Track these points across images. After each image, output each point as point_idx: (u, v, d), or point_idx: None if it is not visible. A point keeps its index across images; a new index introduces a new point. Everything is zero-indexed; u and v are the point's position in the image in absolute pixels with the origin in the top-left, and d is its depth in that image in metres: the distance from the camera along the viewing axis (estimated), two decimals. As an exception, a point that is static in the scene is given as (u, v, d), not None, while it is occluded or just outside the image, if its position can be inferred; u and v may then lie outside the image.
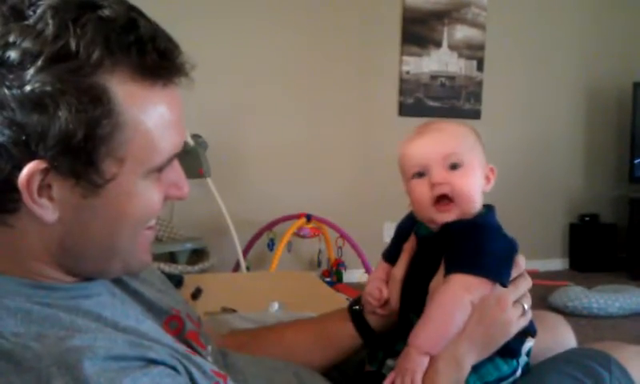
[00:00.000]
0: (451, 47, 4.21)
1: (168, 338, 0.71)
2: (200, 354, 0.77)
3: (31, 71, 0.57)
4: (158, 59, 0.63)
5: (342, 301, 1.77)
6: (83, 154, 0.60)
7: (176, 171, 0.71)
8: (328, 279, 3.65)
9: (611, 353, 1.01)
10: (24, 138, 0.58)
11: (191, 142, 3.21)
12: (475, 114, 4.27)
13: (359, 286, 3.13)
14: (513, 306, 0.87)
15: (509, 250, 0.89)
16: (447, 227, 0.89)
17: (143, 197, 0.66)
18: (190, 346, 0.79)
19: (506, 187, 4.35)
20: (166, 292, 0.87)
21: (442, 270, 0.88)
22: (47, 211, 0.62)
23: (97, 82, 0.60)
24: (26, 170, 0.59)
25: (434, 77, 4.19)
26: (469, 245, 0.87)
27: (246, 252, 3.50)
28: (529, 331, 0.91)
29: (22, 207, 0.62)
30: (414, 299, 0.92)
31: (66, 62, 0.58)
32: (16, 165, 0.59)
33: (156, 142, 0.64)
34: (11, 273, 0.65)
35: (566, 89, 4.56)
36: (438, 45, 4.18)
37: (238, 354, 0.95)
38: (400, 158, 0.94)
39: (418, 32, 4.12)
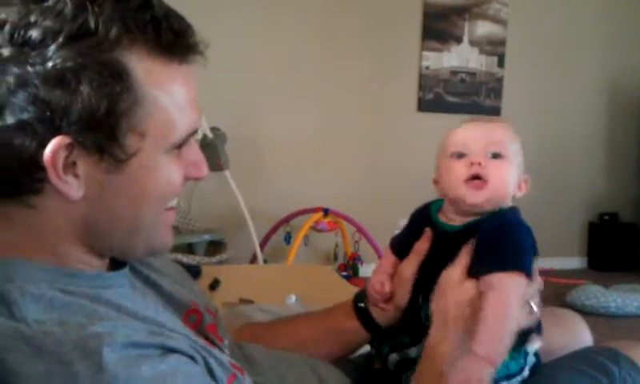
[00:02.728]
0: (472, 43, 4.18)
1: (187, 331, 0.72)
2: (218, 347, 0.79)
3: (52, 48, 0.59)
4: (172, 37, 0.65)
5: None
6: (106, 128, 0.62)
7: (195, 151, 0.72)
8: (344, 273, 3.65)
9: (623, 350, 1.01)
10: (48, 114, 0.59)
11: (210, 135, 3.23)
12: (495, 111, 4.24)
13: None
14: (524, 304, 0.86)
15: (534, 247, 0.89)
16: (477, 225, 0.89)
17: (164, 174, 0.68)
18: (208, 338, 0.80)
19: (524, 184, 4.35)
20: (185, 284, 0.88)
21: (458, 263, 0.88)
22: (72, 188, 0.63)
23: (116, 58, 0.61)
24: (50, 145, 0.60)
25: (454, 72, 4.17)
26: (508, 243, 0.87)
27: (263, 245, 3.51)
28: (533, 331, 0.90)
29: (47, 187, 0.63)
30: (424, 289, 0.92)
31: (86, 39, 0.60)
32: (41, 142, 0.60)
33: (174, 118, 0.66)
34: (35, 257, 0.65)
35: (588, 86, 4.50)
36: (459, 40, 4.16)
37: (255, 346, 0.96)
38: (444, 138, 0.96)
39: (438, 27, 4.10)
